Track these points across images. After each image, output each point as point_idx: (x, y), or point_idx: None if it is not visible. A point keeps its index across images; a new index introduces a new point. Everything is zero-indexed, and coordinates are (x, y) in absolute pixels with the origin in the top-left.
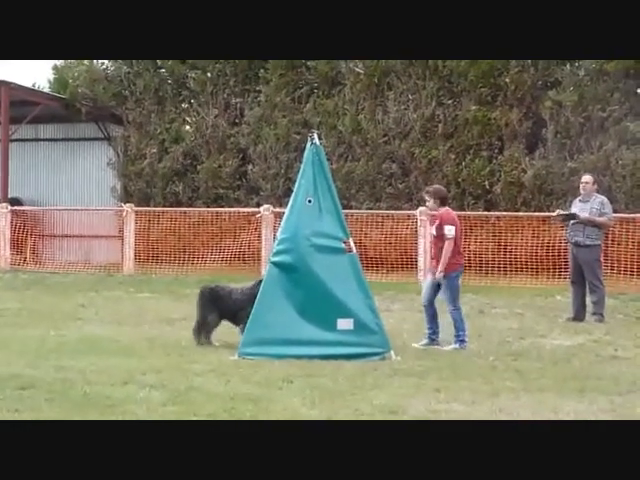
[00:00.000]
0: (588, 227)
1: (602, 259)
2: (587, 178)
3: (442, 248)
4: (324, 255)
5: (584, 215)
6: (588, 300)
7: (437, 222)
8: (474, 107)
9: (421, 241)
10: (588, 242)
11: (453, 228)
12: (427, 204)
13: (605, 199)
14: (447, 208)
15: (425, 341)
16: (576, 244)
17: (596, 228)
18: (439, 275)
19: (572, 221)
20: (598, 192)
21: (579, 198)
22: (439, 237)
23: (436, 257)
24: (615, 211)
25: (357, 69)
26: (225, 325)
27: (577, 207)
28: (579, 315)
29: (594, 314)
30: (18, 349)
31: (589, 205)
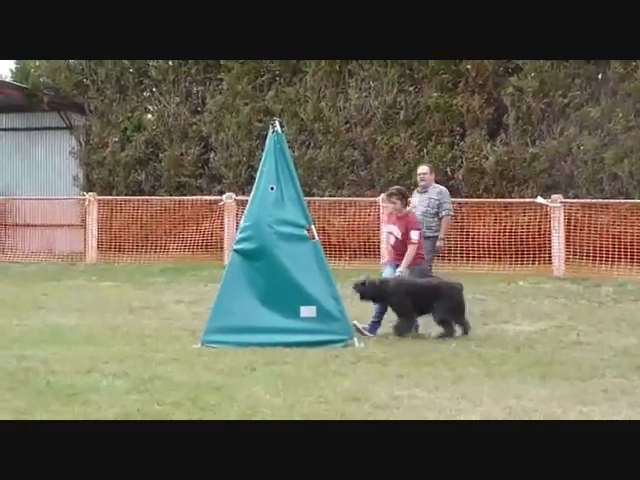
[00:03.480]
0: (427, 219)
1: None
2: (424, 169)
3: (404, 247)
4: (287, 243)
5: (438, 244)
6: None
7: (403, 225)
8: (435, 94)
9: (383, 228)
10: (429, 234)
11: (418, 233)
12: (394, 206)
13: (444, 189)
14: (409, 210)
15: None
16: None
17: (436, 219)
18: (399, 272)
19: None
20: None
21: (417, 189)
22: (403, 240)
23: (397, 251)
24: (576, 196)
25: None
26: (188, 312)
27: (416, 198)
28: None
29: None
30: None
31: (427, 196)
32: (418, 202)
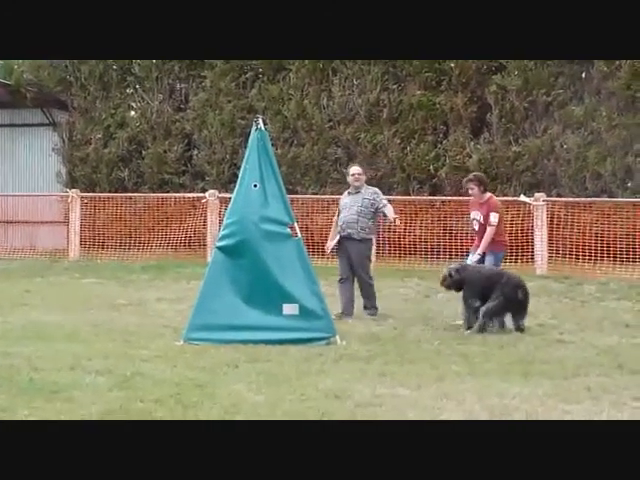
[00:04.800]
0: (362, 219)
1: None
2: (358, 170)
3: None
4: (270, 240)
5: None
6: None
7: (485, 209)
8: (419, 92)
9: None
10: (363, 235)
11: (497, 216)
12: (472, 192)
13: (377, 189)
14: (491, 195)
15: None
16: (349, 237)
17: (371, 222)
18: (476, 257)
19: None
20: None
21: (348, 191)
22: (485, 224)
23: (480, 236)
24: (559, 195)
25: None
26: (171, 310)
27: (347, 199)
28: (348, 309)
29: (366, 308)
30: None
31: (360, 197)
32: (351, 202)
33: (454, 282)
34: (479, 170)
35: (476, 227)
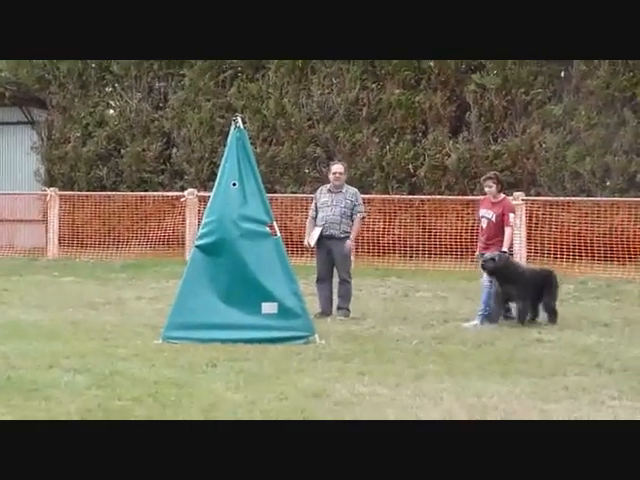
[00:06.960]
0: (345, 220)
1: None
2: (340, 168)
3: (497, 231)
4: (249, 239)
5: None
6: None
7: (499, 209)
8: (398, 91)
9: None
10: (343, 235)
11: (514, 216)
12: (489, 190)
13: (357, 191)
14: (505, 196)
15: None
16: (331, 237)
17: (351, 221)
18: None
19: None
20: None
21: (328, 187)
22: (498, 223)
23: (488, 236)
24: (538, 194)
25: None
26: (149, 308)
27: (326, 197)
28: (327, 308)
29: (340, 309)
30: None
31: (342, 196)
32: (332, 201)
33: (499, 270)
34: (458, 169)
35: (484, 225)
